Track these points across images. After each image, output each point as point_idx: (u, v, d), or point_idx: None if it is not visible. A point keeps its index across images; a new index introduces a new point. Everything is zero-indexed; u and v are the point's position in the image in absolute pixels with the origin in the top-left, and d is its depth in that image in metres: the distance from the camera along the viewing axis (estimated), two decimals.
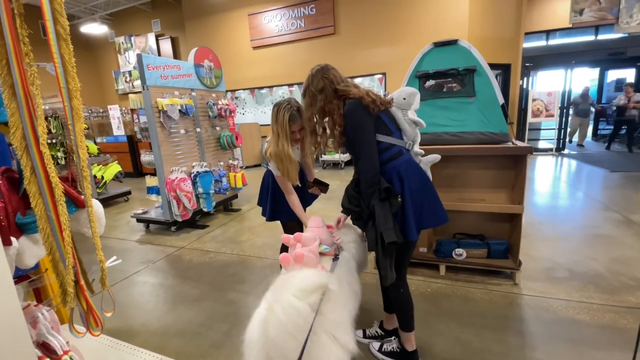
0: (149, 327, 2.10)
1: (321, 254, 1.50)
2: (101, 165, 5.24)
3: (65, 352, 0.99)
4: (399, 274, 1.47)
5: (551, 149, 8.06)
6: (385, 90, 7.25)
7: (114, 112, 7.03)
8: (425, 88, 2.45)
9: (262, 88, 8.44)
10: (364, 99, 1.39)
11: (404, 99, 1.52)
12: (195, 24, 8.78)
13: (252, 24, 8.10)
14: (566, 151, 8.07)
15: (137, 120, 3.91)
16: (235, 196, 4.70)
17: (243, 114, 8.81)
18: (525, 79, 7.99)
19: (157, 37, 9.53)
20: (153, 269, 2.96)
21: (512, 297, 2.19)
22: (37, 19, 0.91)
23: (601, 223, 3.37)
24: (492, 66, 2.80)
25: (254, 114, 8.68)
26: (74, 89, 0.95)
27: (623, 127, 7.93)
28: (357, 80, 7.38)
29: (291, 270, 1.31)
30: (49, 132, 4.66)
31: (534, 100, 7.65)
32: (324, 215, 4.44)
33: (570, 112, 8.55)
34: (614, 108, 8.08)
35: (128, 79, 10.27)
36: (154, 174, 3.81)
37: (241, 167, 4.65)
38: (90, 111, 8.50)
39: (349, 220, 1.74)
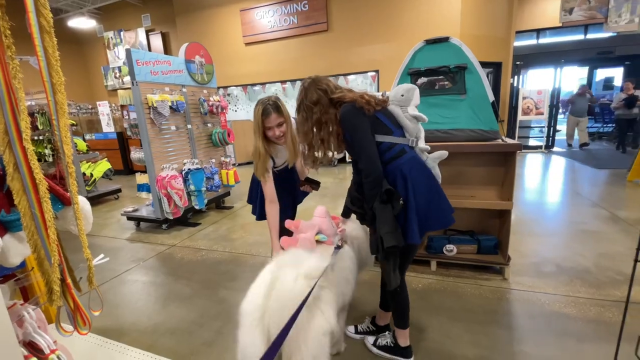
0: (139, 326, 2.08)
1: (319, 242, 1.56)
2: (90, 163, 5.16)
3: (52, 351, 0.97)
4: (396, 269, 1.45)
5: (540, 147, 8.19)
6: (378, 87, 7.27)
7: (103, 109, 6.91)
8: (417, 85, 2.46)
9: (254, 85, 8.38)
10: (358, 101, 1.38)
11: (402, 95, 1.51)
12: (186, 19, 8.66)
13: (244, 19, 8.02)
14: (555, 149, 8.20)
15: (127, 117, 3.85)
16: (228, 193, 4.67)
17: (235, 111, 8.74)
18: (515, 77, 8.09)
19: (148, 32, 9.38)
20: (144, 267, 2.93)
21: (501, 291, 2.22)
22: (19, 11, 0.89)
23: (588, 219, 3.44)
24: (484, 64, 2.82)
25: (247, 110, 8.62)
26: (58, 83, 0.92)
27: (630, 128, 7.50)
28: (350, 78, 7.44)
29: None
30: (36, 128, 4.56)
31: (524, 98, 7.75)
32: None
33: (559, 110, 8.56)
34: (620, 102, 7.34)
35: (118, 74, 10.10)
36: (144, 171, 3.77)
37: (233, 165, 4.61)
38: (78, 107, 8.34)
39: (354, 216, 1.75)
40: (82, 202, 1.16)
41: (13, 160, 0.88)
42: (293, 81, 7.81)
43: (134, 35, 9.50)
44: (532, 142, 8.95)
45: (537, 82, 10.39)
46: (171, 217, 3.64)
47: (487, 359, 1.64)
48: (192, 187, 3.81)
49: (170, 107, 3.57)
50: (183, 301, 2.33)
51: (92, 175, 5.08)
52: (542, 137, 8.32)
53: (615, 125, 8.10)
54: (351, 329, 1.89)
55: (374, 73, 7.28)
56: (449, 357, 1.68)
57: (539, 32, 8.61)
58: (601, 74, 11.25)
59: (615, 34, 7.56)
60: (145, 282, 2.67)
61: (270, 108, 1.68)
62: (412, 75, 2.44)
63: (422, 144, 1.51)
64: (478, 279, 2.38)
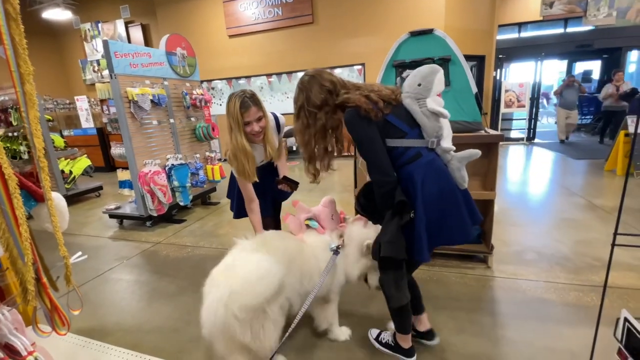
0: (123, 325, 2.03)
1: (309, 227, 1.60)
2: (69, 160, 4.98)
3: (30, 353, 0.94)
4: (399, 285, 1.33)
5: (522, 139, 8.38)
6: (364, 81, 7.25)
7: (82, 104, 6.68)
8: (402, 78, 2.47)
9: (239, 78, 8.24)
10: (362, 108, 1.20)
11: (419, 85, 1.27)
12: (167, 10, 8.41)
13: (227, 11, 7.84)
14: (537, 140, 8.41)
15: (106, 112, 3.73)
16: (214, 189, 4.60)
17: (220, 104, 8.58)
18: (498, 70, 8.22)
19: (127, 24, 9.06)
20: (127, 265, 2.86)
21: (485, 279, 2.28)
22: None
23: (567, 208, 3.55)
24: (468, 57, 2.84)
25: None
26: (26, 73, 0.88)
27: (613, 120, 7.07)
28: (337, 71, 7.34)
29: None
30: (10, 124, 4.36)
31: (506, 91, 7.90)
32: None
33: (538, 103, 8.43)
34: (605, 96, 7.16)
35: (96, 68, 9.75)
36: (126, 167, 3.66)
37: (219, 160, 4.54)
38: (55, 103, 8.03)
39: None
40: (57, 199, 1.12)
41: None
42: (279, 74, 7.72)
43: (113, 27, 9.17)
44: (514, 134, 9.15)
45: (519, 75, 10.60)
46: (155, 214, 3.57)
47: (471, 345, 1.68)
48: (176, 183, 3.73)
49: (152, 101, 3.47)
50: (169, 299, 2.29)
51: (71, 172, 4.91)
52: (524, 129, 8.51)
53: (602, 116, 7.77)
54: (374, 333, 1.73)
55: (360, 67, 7.26)
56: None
57: (520, 25, 8.75)
58: (580, 67, 11.54)
59: (593, 28, 7.77)
60: (129, 280, 2.61)
61: (249, 101, 1.58)
62: (396, 67, 2.45)
63: (446, 143, 1.28)
64: (462, 267, 2.43)
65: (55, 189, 4.57)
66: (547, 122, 11.91)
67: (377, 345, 1.68)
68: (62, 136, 6.25)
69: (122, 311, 2.20)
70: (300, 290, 1.47)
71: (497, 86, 8.12)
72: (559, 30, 8.91)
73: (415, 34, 2.41)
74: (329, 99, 1.27)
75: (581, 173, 5.15)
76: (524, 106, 7.91)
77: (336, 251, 1.54)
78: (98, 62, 9.64)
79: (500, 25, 7.92)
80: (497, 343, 1.69)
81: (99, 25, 9.27)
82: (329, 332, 1.74)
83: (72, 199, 4.92)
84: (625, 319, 0.72)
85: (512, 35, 8.94)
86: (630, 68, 10.63)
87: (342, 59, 7.29)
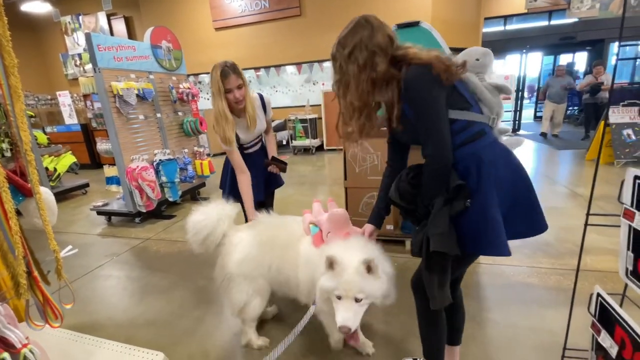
0: (116, 320, 2.03)
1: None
2: (53, 157, 4.87)
3: (24, 345, 0.94)
4: (443, 283, 1.08)
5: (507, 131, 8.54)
6: None
7: (64, 99, 6.50)
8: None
9: None
10: (435, 66, 1.00)
11: (477, 60, 1.18)
12: (151, 2, 8.21)
13: (213, 3, 7.71)
14: (521, 132, 8.60)
15: (90, 107, 3.65)
16: (203, 184, 4.57)
17: (208, 99, 8.48)
18: None
19: (109, 16, 8.81)
20: (117, 262, 2.84)
21: (470, 266, 2.34)
22: None
23: (550, 196, 3.67)
24: (454, 50, 2.87)
25: None
26: (10, 65, 0.87)
27: (596, 112, 6.80)
28: (326, 65, 7.37)
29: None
30: None
31: None
32: (296, 200, 4.46)
33: (524, 96, 8.57)
34: (585, 87, 6.96)
35: (78, 62, 9.48)
36: (113, 163, 3.61)
37: (208, 155, 4.51)
38: (37, 99, 7.78)
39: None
40: (45, 193, 1.11)
41: None
42: (267, 68, 7.66)
43: (94, 20, 8.90)
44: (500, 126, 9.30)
45: (504, 68, 10.77)
46: (144, 210, 3.53)
47: None
48: (164, 179, 3.70)
49: (137, 95, 3.42)
50: (161, 293, 2.29)
51: (55, 170, 4.80)
52: (510, 121, 8.68)
53: (583, 110, 7.57)
54: None
55: None
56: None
57: (506, 18, 8.87)
58: (564, 59, 11.79)
59: (577, 20, 7.92)
60: (120, 276, 2.60)
61: (228, 70, 1.71)
62: None
63: (501, 123, 1.17)
64: None
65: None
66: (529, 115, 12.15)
67: None
68: (44, 133, 6.09)
69: (114, 307, 2.19)
70: (279, 278, 1.53)
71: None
72: (544, 23, 9.07)
73: (402, 27, 2.43)
74: (389, 47, 1.05)
75: (564, 163, 5.30)
76: (509, 98, 8.05)
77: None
78: (80, 55, 9.37)
79: (486, 18, 8.01)
80: (482, 325, 1.76)
81: (80, 18, 8.99)
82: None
83: (58, 197, 4.82)
84: (598, 294, 0.77)
85: (498, 27, 9.06)
86: (613, 60, 10.91)
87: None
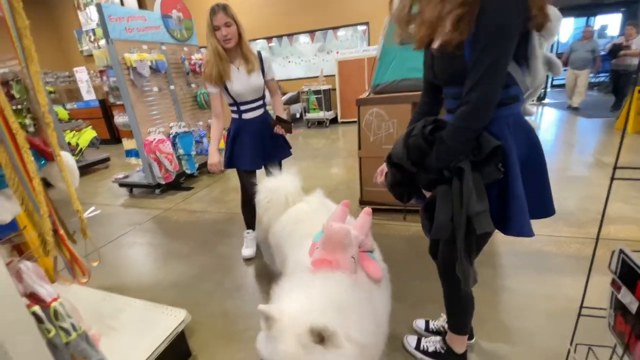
0: (141, 283, 2.15)
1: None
2: (74, 132, 5.02)
3: (54, 299, 1.01)
4: (473, 261, 1.00)
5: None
6: (368, 42, 6.97)
7: (81, 75, 6.56)
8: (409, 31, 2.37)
9: None
10: None
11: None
12: None
13: None
14: (547, 100, 8.16)
15: (107, 81, 3.70)
16: None
17: None
18: None
19: None
20: (140, 230, 2.97)
21: None
22: None
23: (575, 166, 3.52)
24: None
25: None
26: (22, 27, 0.86)
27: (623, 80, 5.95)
28: (340, 33, 7.09)
29: None
30: (12, 97, 4.35)
31: None
32: (309, 174, 4.45)
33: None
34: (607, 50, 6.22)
35: (92, 38, 9.49)
36: (131, 136, 3.68)
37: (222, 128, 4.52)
38: (56, 76, 7.92)
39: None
40: (66, 157, 1.14)
41: None
42: (279, 37, 7.45)
43: None
44: None
45: None
46: (163, 182, 3.63)
47: (474, 295, 1.75)
48: (181, 151, 3.76)
49: (150, 67, 3.41)
50: (182, 259, 2.39)
51: (77, 144, 4.97)
52: None
53: (611, 76, 6.68)
54: (421, 323, 1.52)
55: (365, 27, 6.95)
56: (435, 295, 1.78)
57: None
58: (599, 22, 10.89)
59: None
60: (143, 243, 2.72)
61: (217, 8, 1.78)
62: None
63: (529, 103, 1.03)
64: None
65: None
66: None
67: (419, 355, 1.34)
68: (64, 109, 6.24)
69: (139, 271, 2.32)
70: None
71: None
72: None
73: None
74: None
75: (592, 132, 5.04)
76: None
77: None
78: (94, 31, 9.36)
79: None
80: (497, 292, 1.76)
81: None
82: None
83: (81, 171, 4.99)
84: (621, 250, 0.74)
85: None
86: None
87: (346, 18, 6.97)
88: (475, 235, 0.89)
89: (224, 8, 1.80)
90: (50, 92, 5.20)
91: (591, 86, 8.17)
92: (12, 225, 1.25)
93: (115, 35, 3.14)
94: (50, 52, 9.52)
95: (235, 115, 2.04)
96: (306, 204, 1.56)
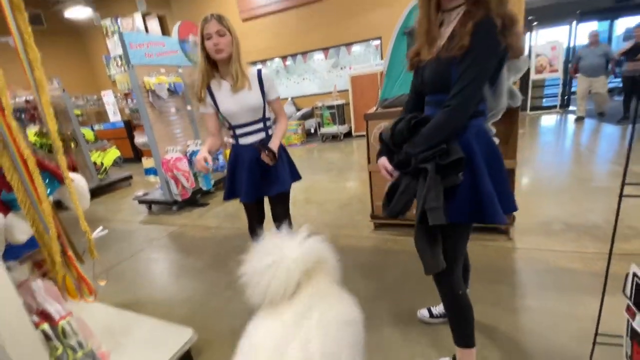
0: (155, 298, 2.19)
1: None
2: (100, 152, 5.27)
3: (63, 317, 1.04)
4: (452, 266, 1.14)
5: (555, 106, 7.83)
6: (381, 56, 7.02)
7: (108, 98, 6.95)
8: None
9: (255, 62, 8.23)
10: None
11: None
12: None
13: None
14: (571, 107, 7.85)
15: (130, 104, 3.90)
16: None
17: None
18: (528, 33, 7.64)
19: (144, 16, 9.23)
20: (156, 246, 3.04)
21: (506, 251, 2.22)
22: None
23: (600, 176, 3.34)
24: None
25: None
26: (33, 59, 0.93)
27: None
28: (353, 49, 7.19)
29: None
30: (41, 121, 4.65)
31: (537, 55, 7.35)
32: (324, 187, 4.44)
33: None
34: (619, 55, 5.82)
35: (119, 63, 10.07)
36: (150, 155, 3.83)
37: None
38: (85, 99, 8.43)
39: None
40: (78, 179, 1.20)
41: (0, 138, 0.90)
42: (294, 55, 7.64)
43: (131, 22, 9.37)
44: (546, 103, 8.55)
45: (551, 38, 9.82)
46: (179, 199, 3.73)
47: (489, 314, 1.66)
48: None
49: (168, 89, 3.57)
50: (195, 274, 2.42)
51: (102, 163, 5.21)
52: (557, 96, 7.92)
53: (623, 82, 6.13)
54: (424, 312, 1.66)
55: (377, 41, 7.02)
56: None
57: None
58: (622, 24, 10.44)
59: None
60: (159, 259, 2.78)
61: (210, 16, 1.59)
62: (408, 34, 2.35)
63: (490, 123, 1.21)
64: (483, 239, 2.37)
65: (90, 179, 4.87)
66: None
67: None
68: (92, 130, 6.60)
69: (154, 286, 2.36)
70: None
71: (528, 51, 7.59)
72: None
73: None
74: None
75: (618, 139, 4.78)
76: (556, 71, 7.34)
77: None
78: (120, 57, 9.96)
79: None
80: (515, 311, 1.66)
81: (119, 20, 9.51)
82: None
83: (105, 189, 5.24)
84: (634, 274, 0.68)
85: None
86: None
87: (358, 34, 7.07)
88: (427, 225, 1.02)
89: (219, 17, 1.61)
90: (77, 115, 5.52)
91: (618, 92, 7.80)
92: (33, 243, 1.31)
93: (136, 61, 3.32)
94: (81, 77, 10.16)
95: (233, 141, 1.82)
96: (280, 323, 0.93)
